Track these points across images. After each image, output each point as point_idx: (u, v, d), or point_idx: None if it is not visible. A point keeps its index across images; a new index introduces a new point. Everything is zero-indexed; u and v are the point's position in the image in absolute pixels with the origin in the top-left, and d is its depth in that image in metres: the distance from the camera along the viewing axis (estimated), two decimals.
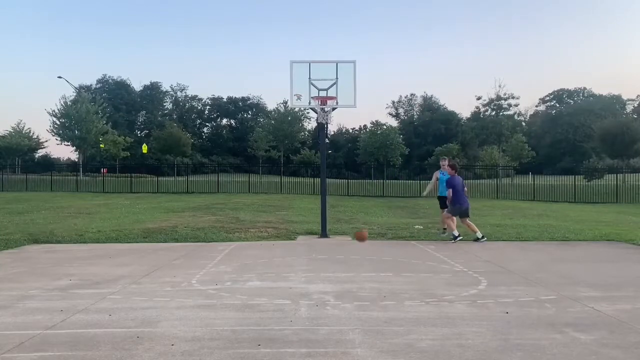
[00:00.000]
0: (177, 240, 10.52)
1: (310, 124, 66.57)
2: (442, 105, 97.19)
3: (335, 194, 27.56)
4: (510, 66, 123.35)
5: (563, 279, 6.48)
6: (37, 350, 3.80)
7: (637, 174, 34.76)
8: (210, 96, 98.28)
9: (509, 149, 53.75)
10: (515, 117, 55.78)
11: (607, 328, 4.33)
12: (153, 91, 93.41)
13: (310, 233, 11.57)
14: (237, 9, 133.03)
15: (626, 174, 36.27)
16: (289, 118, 61.76)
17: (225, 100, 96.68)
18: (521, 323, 4.49)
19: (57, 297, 5.52)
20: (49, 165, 53.94)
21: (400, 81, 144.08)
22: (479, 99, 55.17)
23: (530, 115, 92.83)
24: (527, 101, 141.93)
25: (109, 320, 4.63)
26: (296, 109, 54.67)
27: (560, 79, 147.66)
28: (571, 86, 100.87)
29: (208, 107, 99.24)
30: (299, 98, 11.01)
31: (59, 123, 46.98)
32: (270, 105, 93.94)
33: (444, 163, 11.31)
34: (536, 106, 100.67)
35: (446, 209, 10.71)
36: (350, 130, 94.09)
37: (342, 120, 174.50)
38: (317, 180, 26.42)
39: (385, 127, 69.22)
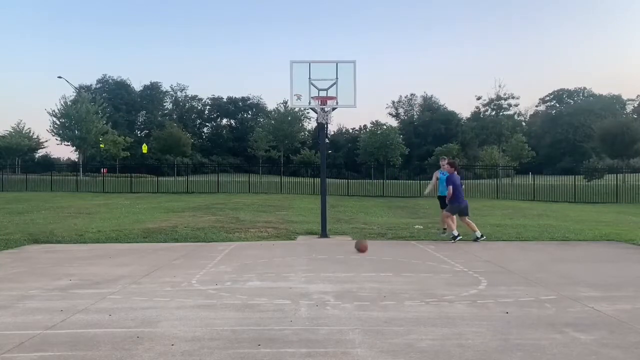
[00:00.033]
0: (177, 240, 10.52)
1: (310, 124, 66.63)
2: (442, 105, 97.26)
3: (335, 194, 27.56)
4: (510, 66, 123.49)
5: (563, 279, 6.48)
6: (37, 350, 3.80)
7: (637, 174, 34.76)
8: (210, 96, 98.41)
9: (509, 149, 53.74)
10: (515, 117, 55.79)
11: (607, 328, 4.33)
12: (153, 91, 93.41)
13: (310, 233, 11.57)
14: (237, 9, 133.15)
15: (626, 174, 36.27)
16: (289, 118, 61.73)
17: (225, 100, 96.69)
18: (521, 323, 4.49)
19: (57, 297, 5.52)
20: (49, 165, 53.95)
21: (400, 81, 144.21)
22: (479, 99, 55.21)
23: (530, 115, 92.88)
24: (527, 101, 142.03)
25: (109, 320, 4.63)
26: (296, 109, 54.64)
27: (560, 79, 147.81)
28: (571, 86, 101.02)
29: (208, 107, 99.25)
30: (299, 98, 11.01)
31: (59, 123, 46.98)
32: (270, 105, 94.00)
33: (444, 163, 11.31)
34: (536, 106, 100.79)
35: (445, 208, 10.71)
36: (350, 130, 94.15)
37: (342, 120, 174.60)
38: (317, 180, 26.42)
39: (385, 127, 69.19)
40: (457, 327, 4.38)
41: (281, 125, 61.37)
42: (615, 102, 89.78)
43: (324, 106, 10.99)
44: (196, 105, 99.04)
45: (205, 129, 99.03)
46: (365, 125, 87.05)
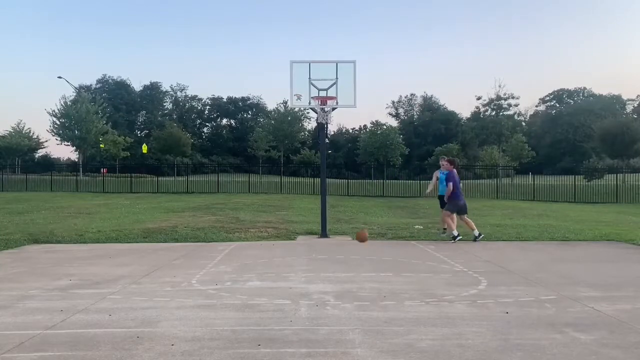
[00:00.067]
0: (177, 240, 10.51)
1: (310, 124, 66.63)
2: (442, 105, 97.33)
3: (335, 194, 27.57)
4: (510, 66, 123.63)
5: (563, 279, 6.48)
6: (37, 350, 3.80)
7: (637, 174, 34.77)
8: (210, 96, 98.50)
9: (509, 149, 53.76)
10: (515, 117, 55.77)
11: (607, 328, 4.33)
12: (153, 91, 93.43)
13: (310, 233, 11.57)
14: (237, 9, 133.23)
15: (626, 174, 36.30)
16: (289, 118, 61.73)
17: (225, 100, 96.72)
18: (521, 323, 4.49)
19: (57, 297, 5.52)
20: (49, 165, 54.00)
21: (400, 81, 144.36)
22: (479, 99, 55.21)
23: (530, 115, 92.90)
24: (527, 101, 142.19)
25: (109, 320, 4.63)
26: (296, 109, 54.64)
27: (560, 79, 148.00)
28: (571, 86, 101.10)
29: (208, 107, 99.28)
30: (299, 98, 11.01)
31: (59, 123, 47.00)
32: (270, 105, 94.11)
33: (444, 162, 11.31)
34: (536, 106, 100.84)
35: (445, 207, 10.71)
36: (350, 130, 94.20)
37: (342, 120, 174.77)
38: (317, 180, 26.42)
39: (385, 127, 69.22)
40: (457, 327, 4.38)
41: (281, 125, 61.36)
42: (615, 102, 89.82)
43: (324, 106, 10.99)
44: (196, 105, 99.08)
45: (205, 129, 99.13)
46: (365, 125, 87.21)
